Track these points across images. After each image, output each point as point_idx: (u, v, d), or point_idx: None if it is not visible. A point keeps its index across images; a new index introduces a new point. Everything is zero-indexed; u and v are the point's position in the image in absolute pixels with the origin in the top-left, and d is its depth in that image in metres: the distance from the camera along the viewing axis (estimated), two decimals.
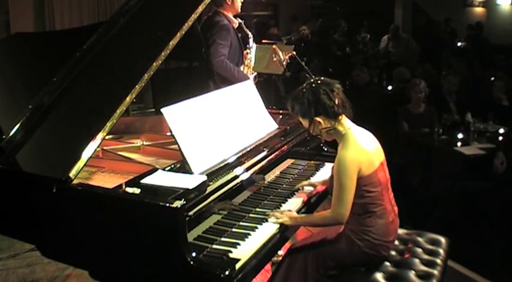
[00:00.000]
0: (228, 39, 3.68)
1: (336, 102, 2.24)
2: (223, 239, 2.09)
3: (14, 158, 2.33)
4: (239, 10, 3.82)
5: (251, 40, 3.87)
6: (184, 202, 1.86)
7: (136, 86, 2.26)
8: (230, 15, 3.78)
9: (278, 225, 2.24)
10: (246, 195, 2.42)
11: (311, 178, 2.79)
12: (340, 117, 2.26)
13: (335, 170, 2.21)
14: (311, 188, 2.65)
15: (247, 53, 3.89)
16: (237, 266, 1.90)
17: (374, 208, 2.26)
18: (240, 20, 3.82)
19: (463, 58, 7.63)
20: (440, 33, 10.40)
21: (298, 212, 2.43)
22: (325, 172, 2.89)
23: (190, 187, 2.00)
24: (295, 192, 2.61)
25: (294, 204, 2.49)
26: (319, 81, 2.29)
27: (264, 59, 4.33)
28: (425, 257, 2.44)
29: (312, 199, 2.59)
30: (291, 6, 11.67)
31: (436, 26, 10.94)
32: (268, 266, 2.89)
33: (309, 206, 2.55)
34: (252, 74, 3.91)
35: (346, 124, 2.28)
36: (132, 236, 1.93)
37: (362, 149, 2.22)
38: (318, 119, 2.25)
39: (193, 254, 1.84)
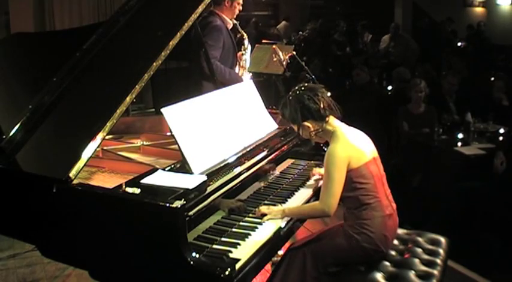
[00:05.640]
0: (220, 40, 3.64)
1: (322, 105, 2.33)
2: (223, 239, 2.09)
3: (14, 158, 2.33)
4: (234, 16, 3.79)
5: (246, 41, 3.84)
6: (184, 202, 1.86)
7: (136, 86, 2.26)
8: (225, 16, 3.74)
9: (278, 226, 2.23)
10: (246, 195, 2.42)
11: (310, 178, 2.80)
12: (327, 119, 2.35)
13: (325, 162, 2.29)
14: (319, 177, 2.71)
15: (242, 54, 3.85)
16: (237, 266, 1.90)
17: (368, 200, 2.31)
18: (235, 21, 3.78)
19: (463, 58, 7.62)
20: (444, 32, 10.37)
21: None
22: None
23: (190, 187, 2.00)
24: (295, 192, 2.61)
25: (294, 203, 2.49)
26: (302, 88, 2.39)
27: (264, 59, 4.32)
28: (425, 257, 2.44)
29: (312, 199, 2.59)
30: (291, 6, 11.67)
31: (437, 26, 10.93)
32: (268, 266, 2.89)
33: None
34: (248, 74, 3.89)
35: (335, 123, 2.37)
36: (132, 236, 1.93)
37: (351, 144, 2.30)
38: (306, 123, 2.35)
39: (193, 254, 1.84)
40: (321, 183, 2.64)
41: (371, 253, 2.32)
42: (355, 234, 2.30)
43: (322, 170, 2.72)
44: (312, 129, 2.36)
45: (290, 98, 2.39)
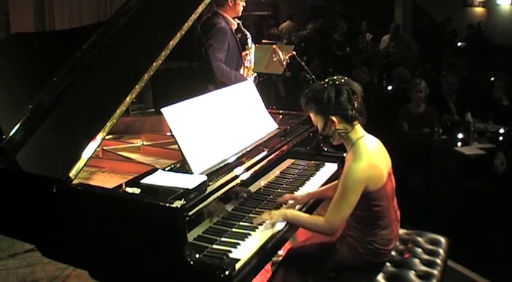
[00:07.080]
0: (225, 42, 3.60)
1: (355, 106, 2.15)
2: (223, 239, 2.09)
3: (14, 158, 2.33)
4: (239, 14, 3.74)
5: (250, 40, 3.78)
6: (184, 202, 1.86)
7: (137, 86, 2.26)
8: (229, 17, 3.70)
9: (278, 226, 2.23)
10: None
11: (310, 178, 2.80)
12: (355, 123, 2.18)
13: (342, 179, 2.13)
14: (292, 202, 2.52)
15: (246, 54, 3.80)
16: (237, 266, 1.90)
17: (380, 221, 2.22)
18: (238, 21, 3.74)
19: (463, 58, 7.63)
20: (444, 32, 10.37)
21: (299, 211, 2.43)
22: (324, 172, 2.89)
23: (190, 187, 2.01)
24: (295, 192, 2.60)
25: (293, 204, 2.49)
26: (343, 80, 2.20)
27: (264, 59, 4.32)
28: (425, 257, 2.44)
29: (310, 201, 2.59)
30: (290, 6, 11.67)
31: (437, 26, 10.94)
32: (268, 266, 2.89)
33: (308, 206, 2.55)
34: (252, 75, 3.84)
35: (359, 131, 2.21)
36: (132, 236, 1.93)
37: (373, 164, 2.13)
38: (333, 118, 2.15)
39: (193, 254, 1.84)
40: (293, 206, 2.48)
41: (372, 265, 2.29)
42: (360, 247, 2.24)
43: (293, 194, 2.56)
44: (337, 127, 2.17)
45: (326, 85, 2.16)
